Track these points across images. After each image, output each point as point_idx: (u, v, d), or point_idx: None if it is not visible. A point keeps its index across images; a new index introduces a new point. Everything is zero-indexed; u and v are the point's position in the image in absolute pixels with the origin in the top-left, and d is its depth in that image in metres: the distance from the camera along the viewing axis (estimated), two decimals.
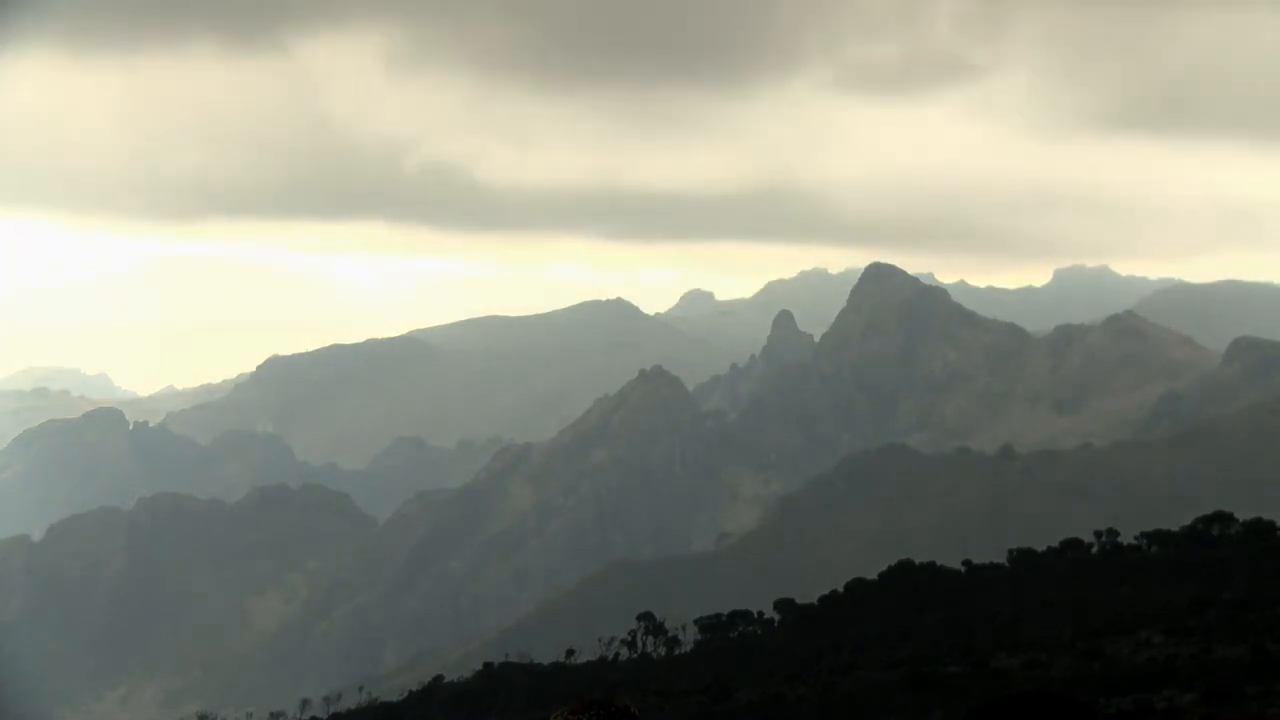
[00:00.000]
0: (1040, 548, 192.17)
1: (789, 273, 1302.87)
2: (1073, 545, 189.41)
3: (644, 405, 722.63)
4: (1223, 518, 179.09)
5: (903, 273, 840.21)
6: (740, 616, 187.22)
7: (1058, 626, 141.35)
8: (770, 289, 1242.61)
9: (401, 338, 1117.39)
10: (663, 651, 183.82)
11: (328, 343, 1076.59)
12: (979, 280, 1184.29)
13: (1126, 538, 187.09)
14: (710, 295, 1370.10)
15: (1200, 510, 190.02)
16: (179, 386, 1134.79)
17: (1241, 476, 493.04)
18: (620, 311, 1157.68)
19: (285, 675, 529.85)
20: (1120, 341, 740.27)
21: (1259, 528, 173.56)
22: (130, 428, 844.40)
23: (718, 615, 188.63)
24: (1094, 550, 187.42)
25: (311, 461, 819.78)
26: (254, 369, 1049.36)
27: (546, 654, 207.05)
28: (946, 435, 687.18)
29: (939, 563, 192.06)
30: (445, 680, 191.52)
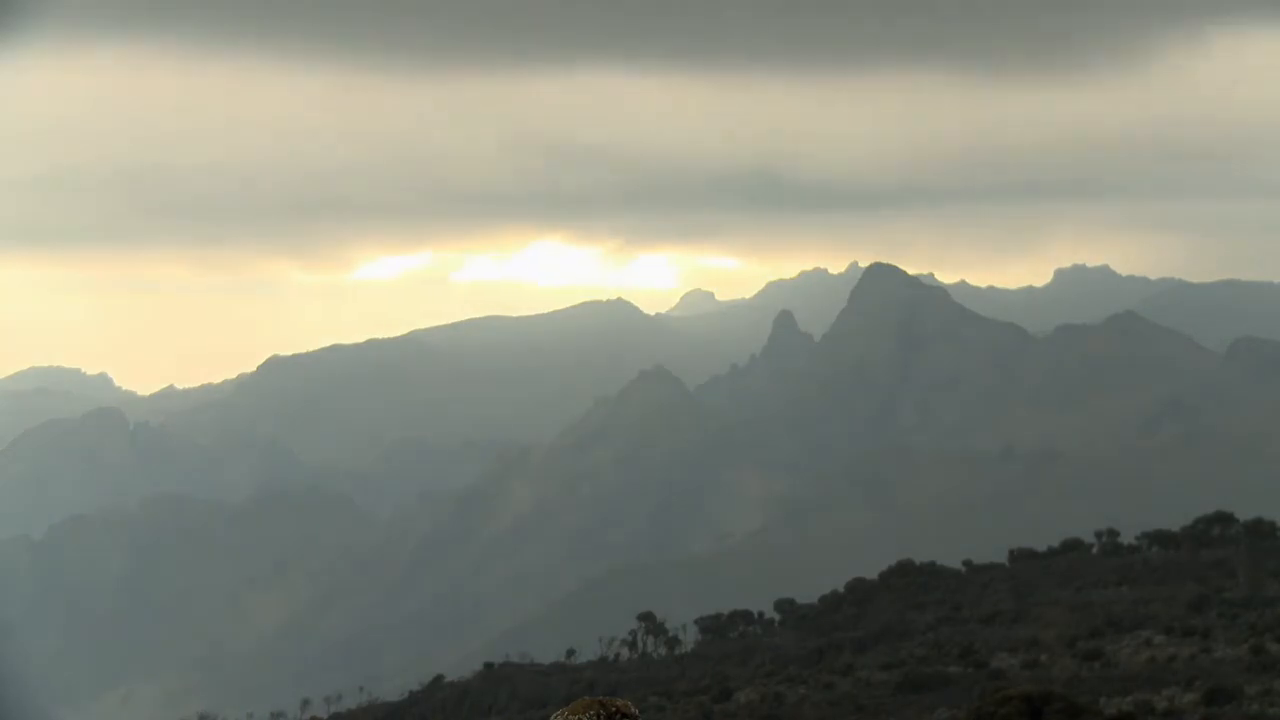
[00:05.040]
0: (1040, 548, 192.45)
1: (789, 273, 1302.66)
2: (1073, 545, 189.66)
3: (644, 405, 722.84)
4: (1223, 518, 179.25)
5: (903, 273, 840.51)
6: (740, 616, 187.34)
7: (1058, 626, 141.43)
8: (770, 289, 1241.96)
9: (401, 338, 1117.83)
10: (663, 651, 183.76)
11: (328, 343, 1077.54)
12: (979, 280, 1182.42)
13: (1126, 538, 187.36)
14: (710, 295, 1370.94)
15: (1200, 510, 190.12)
16: (179, 386, 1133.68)
17: (1241, 477, 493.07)
18: (620, 311, 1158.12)
19: (285, 675, 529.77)
20: (1120, 341, 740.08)
21: (1259, 528, 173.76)
22: (130, 428, 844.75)
23: (718, 615, 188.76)
24: (1094, 550, 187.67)
25: (312, 462, 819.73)
26: (254, 369, 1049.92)
27: (546, 654, 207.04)
28: (946, 435, 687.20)
29: (939, 563, 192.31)
30: (445, 680, 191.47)
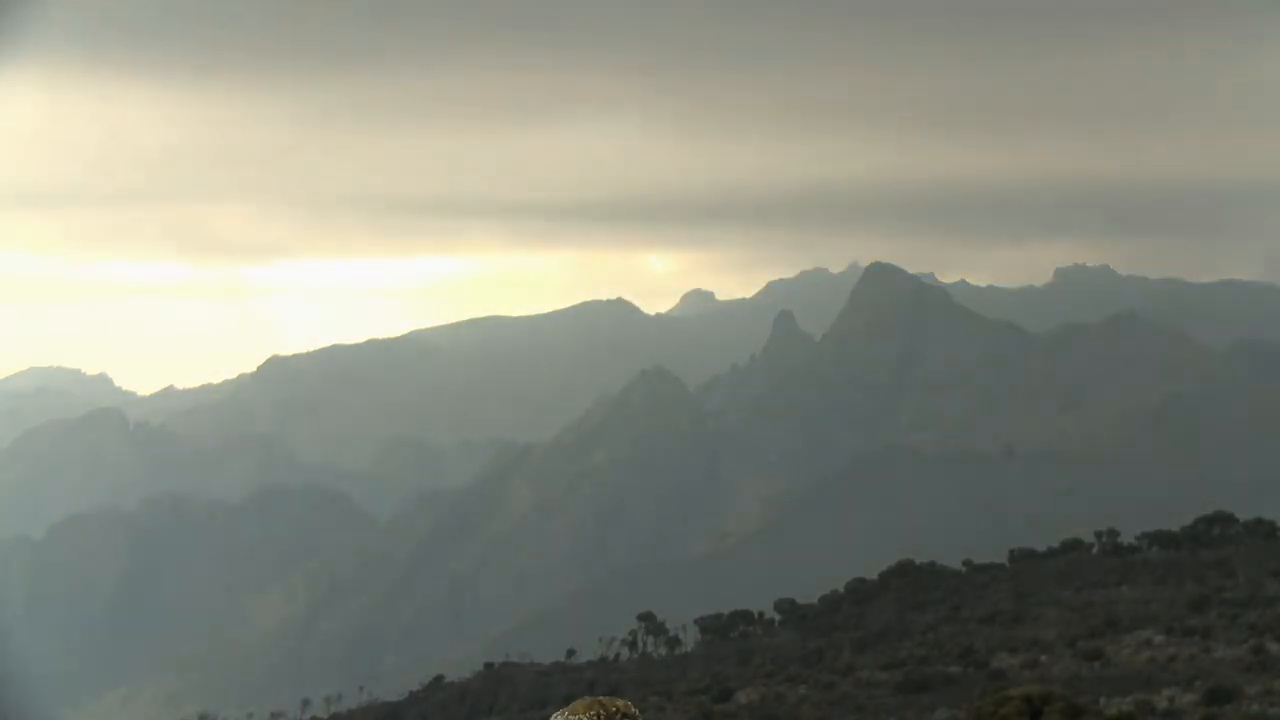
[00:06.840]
0: (1040, 548, 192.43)
1: (789, 273, 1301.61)
2: (1073, 545, 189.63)
3: (644, 405, 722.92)
4: (1223, 518, 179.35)
5: (903, 272, 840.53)
6: (740, 616, 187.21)
7: (1058, 626, 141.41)
8: (770, 289, 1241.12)
9: (401, 338, 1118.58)
10: (663, 651, 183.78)
11: (328, 343, 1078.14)
12: (979, 280, 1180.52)
13: (1126, 538, 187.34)
14: (710, 295, 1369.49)
15: (1200, 510, 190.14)
16: (179, 386, 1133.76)
17: (1241, 476, 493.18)
18: (620, 311, 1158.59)
19: (285, 675, 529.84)
20: (1120, 341, 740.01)
21: (1259, 528, 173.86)
22: (130, 428, 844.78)
23: (718, 615, 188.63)
24: (1094, 550, 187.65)
25: (312, 462, 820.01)
26: (254, 369, 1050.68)
27: (546, 654, 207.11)
28: (946, 435, 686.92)
29: (939, 563, 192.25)
30: (445, 680, 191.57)
